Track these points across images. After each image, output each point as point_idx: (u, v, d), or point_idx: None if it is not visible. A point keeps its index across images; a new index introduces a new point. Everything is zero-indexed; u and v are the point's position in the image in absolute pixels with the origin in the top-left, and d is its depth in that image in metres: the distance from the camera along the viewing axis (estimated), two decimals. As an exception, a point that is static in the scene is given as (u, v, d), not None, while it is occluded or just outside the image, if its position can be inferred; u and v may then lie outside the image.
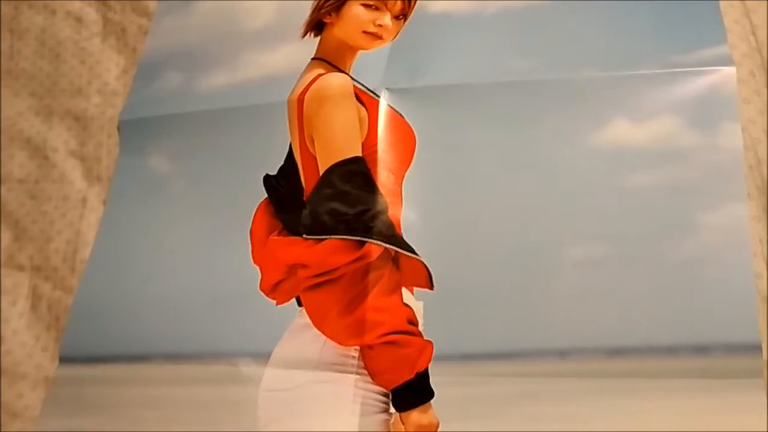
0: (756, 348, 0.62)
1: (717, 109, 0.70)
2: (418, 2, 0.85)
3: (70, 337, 0.81)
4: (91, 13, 1.02)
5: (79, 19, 1.02)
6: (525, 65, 0.77)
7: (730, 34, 0.76)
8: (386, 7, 0.84)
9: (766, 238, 0.67)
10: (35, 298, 0.84)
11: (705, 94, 0.70)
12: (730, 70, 0.71)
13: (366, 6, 0.84)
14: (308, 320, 0.74)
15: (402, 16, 0.85)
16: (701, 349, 0.63)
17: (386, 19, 0.83)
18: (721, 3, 0.77)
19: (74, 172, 0.91)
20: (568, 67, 0.75)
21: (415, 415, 0.70)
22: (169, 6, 0.98)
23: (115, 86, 0.95)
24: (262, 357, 0.73)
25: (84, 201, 0.89)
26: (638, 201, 0.68)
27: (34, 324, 0.83)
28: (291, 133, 0.81)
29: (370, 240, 0.73)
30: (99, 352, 0.79)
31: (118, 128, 0.91)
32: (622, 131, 0.71)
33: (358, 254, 0.74)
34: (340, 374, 0.71)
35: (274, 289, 0.77)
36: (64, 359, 0.80)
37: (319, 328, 0.73)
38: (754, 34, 0.77)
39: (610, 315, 0.66)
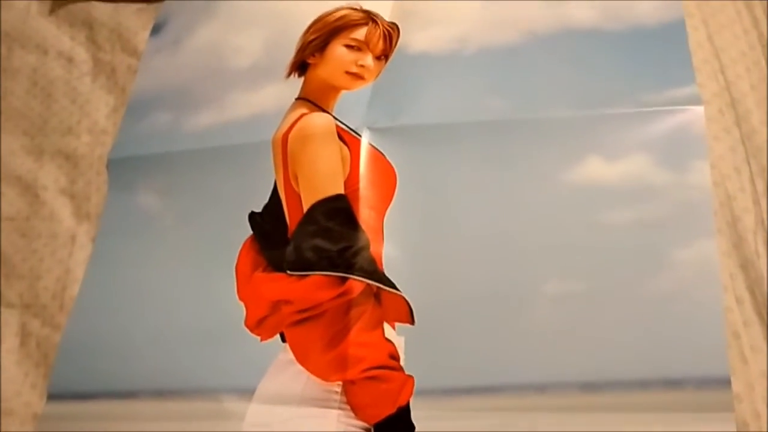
0: (726, 382, 0.63)
1: (687, 147, 0.72)
2: (398, 43, 0.88)
3: (58, 373, 0.82)
4: (81, 53, 1.04)
5: (70, 59, 1.04)
6: (502, 105, 0.79)
7: (699, 73, 0.78)
8: (368, 47, 0.86)
9: (736, 272, 0.69)
10: (24, 335, 0.86)
11: (675, 132, 0.72)
12: (699, 109, 0.73)
13: (348, 47, 0.86)
14: (292, 356, 0.75)
15: (383, 56, 0.87)
16: (673, 383, 0.64)
17: (368, 59, 0.86)
18: (690, 43, 0.79)
19: (64, 209, 0.93)
20: (543, 106, 0.77)
21: (397, 450, 0.71)
22: (158, 45, 1.00)
23: (105, 125, 0.97)
24: (247, 393, 0.74)
25: (73, 238, 0.90)
26: (611, 237, 0.70)
27: (23, 361, 0.84)
28: (276, 172, 0.83)
29: (352, 276, 0.75)
30: (86, 389, 0.80)
31: (107, 166, 0.93)
32: (596, 169, 0.73)
33: (340, 290, 0.75)
34: (323, 409, 0.72)
35: (258, 325, 0.78)
36: (52, 396, 0.81)
37: (302, 364, 0.75)
38: (722, 73, 0.79)
39: (585, 349, 0.67)
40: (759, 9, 0.85)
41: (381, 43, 0.88)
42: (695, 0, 0.84)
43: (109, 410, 0.79)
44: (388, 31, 0.89)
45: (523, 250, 0.73)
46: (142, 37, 1.02)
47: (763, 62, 0.82)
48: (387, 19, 0.90)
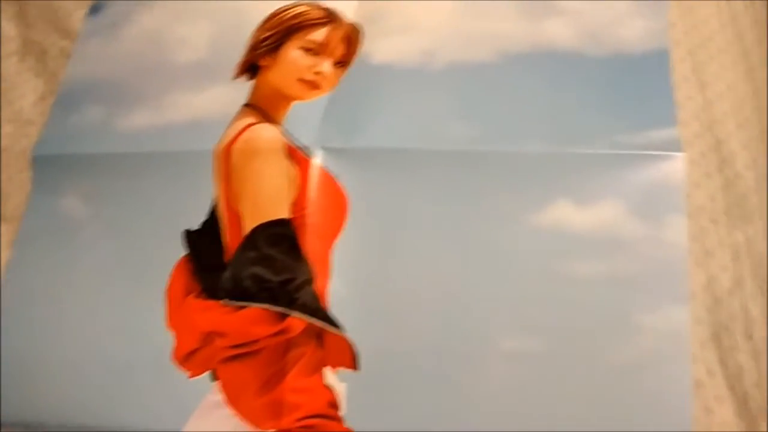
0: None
1: (664, 198, 0.66)
2: (360, 50, 0.80)
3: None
4: (9, 29, 0.94)
5: (-5, 36, 0.94)
6: (468, 133, 0.72)
7: (682, 110, 0.72)
8: (326, 52, 0.78)
9: (708, 341, 0.64)
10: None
11: (653, 181, 0.66)
12: (679, 157, 0.67)
13: (305, 50, 0.78)
14: (221, 398, 0.69)
15: (343, 62, 0.79)
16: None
17: (325, 65, 0.78)
18: (674, 77, 0.73)
19: (-20, 208, 0.84)
20: (511, 139, 0.70)
21: None
22: (95, 28, 0.90)
23: (31, 114, 0.88)
24: (169, 436, 0.68)
25: (-12, 242, 0.82)
26: (575, 292, 0.65)
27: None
28: (216, 186, 0.75)
29: (293, 313, 0.68)
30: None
31: (31, 163, 0.84)
32: (564, 214, 0.67)
33: (279, 327, 0.68)
34: (252, 460, 0.66)
35: (187, 358, 0.71)
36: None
37: (233, 407, 0.68)
38: (707, 111, 0.74)
39: (538, 415, 0.62)
40: (750, 39, 0.80)
41: (341, 47, 0.79)
42: (683, 27, 0.77)
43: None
44: (349, 33, 0.80)
45: (480, 298, 0.66)
46: (77, 18, 0.92)
47: (750, 99, 0.76)
48: (350, 19, 0.81)
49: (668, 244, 0.64)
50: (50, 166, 0.83)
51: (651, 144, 0.68)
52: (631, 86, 0.72)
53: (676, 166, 0.66)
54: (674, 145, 0.68)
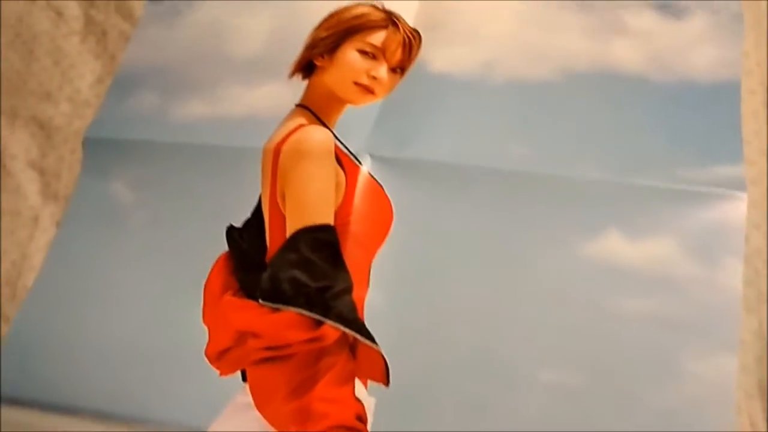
0: None
1: (722, 239, 0.63)
2: (418, 55, 0.78)
3: (-1, 372, 0.75)
4: (73, 8, 0.95)
5: (59, 13, 0.94)
6: (524, 153, 0.70)
7: (749, 146, 0.69)
8: (384, 56, 0.76)
9: (754, 392, 0.61)
10: (-31, 322, 0.79)
11: (711, 220, 0.64)
12: (742, 197, 0.64)
13: (362, 53, 0.76)
14: (251, 399, 0.68)
15: (399, 68, 0.77)
16: None
17: (382, 70, 0.76)
18: (743, 110, 0.70)
19: (31, 185, 0.85)
20: (566, 162, 0.68)
21: None
22: (157, 13, 0.91)
23: (88, 96, 0.89)
24: (195, 432, 0.68)
25: (36, 220, 0.83)
26: (620, 328, 0.63)
27: (-35, 349, 0.78)
28: (262, 185, 0.75)
29: (328, 321, 0.67)
30: (22, 395, 0.73)
31: (83, 144, 0.85)
32: (615, 245, 0.65)
33: (313, 334, 0.67)
34: (276, 465, 0.66)
35: (220, 356, 0.71)
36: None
37: (260, 410, 0.68)
38: (775, 149, 0.70)
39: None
40: (826, 75, 0.76)
41: (399, 52, 0.77)
42: (757, 58, 0.74)
43: (41, 423, 0.72)
44: (408, 38, 0.78)
45: (521, 324, 0.65)
46: (140, 2, 0.92)
47: (821, 138, 0.73)
48: (410, 23, 0.79)
49: (722, 287, 0.62)
50: (102, 149, 0.84)
51: (713, 180, 0.65)
52: (697, 117, 0.69)
53: (737, 207, 0.63)
54: (738, 184, 0.65)
